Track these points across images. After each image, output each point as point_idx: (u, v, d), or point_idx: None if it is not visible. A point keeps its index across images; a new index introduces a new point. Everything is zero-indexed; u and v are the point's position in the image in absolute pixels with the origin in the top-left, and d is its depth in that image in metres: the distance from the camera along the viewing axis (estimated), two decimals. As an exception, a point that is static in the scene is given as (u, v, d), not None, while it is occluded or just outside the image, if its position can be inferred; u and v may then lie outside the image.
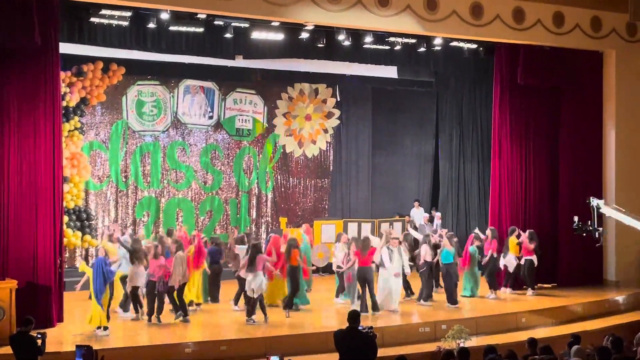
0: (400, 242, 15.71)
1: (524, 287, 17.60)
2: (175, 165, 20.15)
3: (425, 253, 16.10)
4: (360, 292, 15.12)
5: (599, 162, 19.32)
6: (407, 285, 16.49)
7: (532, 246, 17.28)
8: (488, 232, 17.49)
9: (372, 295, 15.05)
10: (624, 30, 19.03)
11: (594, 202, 15.57)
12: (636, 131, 19.29)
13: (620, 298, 17.49)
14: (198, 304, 15.51)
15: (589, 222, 15.64)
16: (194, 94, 20.31)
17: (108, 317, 13.40)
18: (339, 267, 15.84)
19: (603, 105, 19.35)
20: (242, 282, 14.80)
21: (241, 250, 15.73)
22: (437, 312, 15.34)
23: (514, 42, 18.15)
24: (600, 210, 15.54)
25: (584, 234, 15.48)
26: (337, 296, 16.22)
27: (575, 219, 15.78)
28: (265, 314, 14.30)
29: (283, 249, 15.62)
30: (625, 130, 19.17)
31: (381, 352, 9.82)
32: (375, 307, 15.01)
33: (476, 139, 21.71)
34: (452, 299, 15.89)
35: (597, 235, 15.46)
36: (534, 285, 17.59)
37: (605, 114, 19.34)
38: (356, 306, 14.70)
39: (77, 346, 7.41)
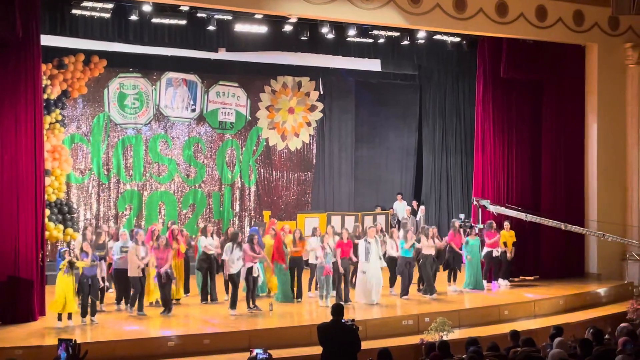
0: (377, 233, 15.79)
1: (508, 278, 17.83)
2: (157, 158, 20.07)
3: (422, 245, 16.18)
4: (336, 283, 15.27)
5: (581, 155, 19.43)
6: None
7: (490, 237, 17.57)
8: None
9: (347, 286, 15.28)
10: (606, 24, 19.14)
11: (480, 202, 18.13)
12: (617, 124, 19.43)
13: (601, 290, 17.61)
14: (177, 299, 15.44)
15: (471, 219, 18.20)
16: (177, 86, 20.22)
17: (89, 312, 13.39)
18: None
19: (585, 98, 19.45)
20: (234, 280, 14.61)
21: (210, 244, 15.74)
22: (420, 305, 15.37)
23: (497, 36, 18.21)
24: (488, 209, 17.88)
25: (467, 230, 17.24)
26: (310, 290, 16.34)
27: (462, 216, 18.40)
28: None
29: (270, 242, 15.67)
30: (606, 124, 19.29)
31: (364, 344, 9.80)
32: (346, 299, 15.11)
33: (459, 132, 21.78)
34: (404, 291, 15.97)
35: (477, 231, 17.43)
36: (496, 278, 17.70)
37: (587, 107, 19.44)
38: (330, 300, 14.75)
39: (60, 340, 7.34)
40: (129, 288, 14.50)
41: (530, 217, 17.96)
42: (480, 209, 18.12)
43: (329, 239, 15.27)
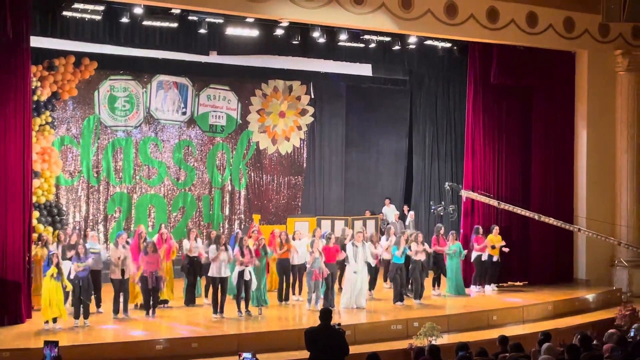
0: (364, 237, 15.81)
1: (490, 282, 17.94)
2: (147, 161, 20.02)
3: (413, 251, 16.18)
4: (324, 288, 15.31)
5: (571, 161, 19.50)
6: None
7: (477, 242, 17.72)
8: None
9: (332, 291, 15.32)
10: (597, 31, 19.21)
11: (452, 185, 19.24)
12: (607, 131, 19.49)
13: (590, 296, 17.65)
14: (166, 300, 15.40)
15: (442, 202, 19.61)
16: (167, 89, 20.17)
17: (83, 314, 13.35)
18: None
19: (575, 105, 19.52)
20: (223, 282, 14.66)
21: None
22: (409, 310, 15.38)
23: (487, 42, 18.25)
24: (459, 194, 18.71)
25: (441, 214, 18.10)
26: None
27: (431, 203, 19.97)
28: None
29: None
30: (596, 130, 19.36)
31: (353, 349, 9.82)
32: (331, 303, 15.10)
33: (449, 137, 21.77)
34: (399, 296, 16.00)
35: (450, 212, 18.83)
36: (478, 282, 17.78)
37: (577, 114, 19.51)
38: (319, 305, 14.77)
39: (46, 342, 7.34)
40: (98, 289, 14.49)
41: (503, 205, 18.18)
42: (451, 192, 18.89)
43: (318, 243, 15.27)
